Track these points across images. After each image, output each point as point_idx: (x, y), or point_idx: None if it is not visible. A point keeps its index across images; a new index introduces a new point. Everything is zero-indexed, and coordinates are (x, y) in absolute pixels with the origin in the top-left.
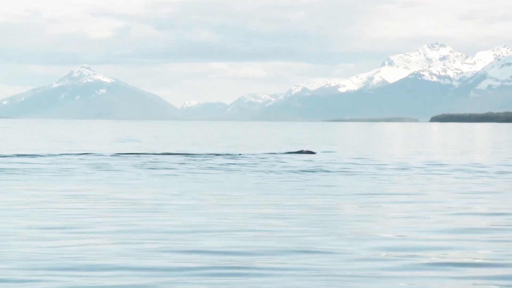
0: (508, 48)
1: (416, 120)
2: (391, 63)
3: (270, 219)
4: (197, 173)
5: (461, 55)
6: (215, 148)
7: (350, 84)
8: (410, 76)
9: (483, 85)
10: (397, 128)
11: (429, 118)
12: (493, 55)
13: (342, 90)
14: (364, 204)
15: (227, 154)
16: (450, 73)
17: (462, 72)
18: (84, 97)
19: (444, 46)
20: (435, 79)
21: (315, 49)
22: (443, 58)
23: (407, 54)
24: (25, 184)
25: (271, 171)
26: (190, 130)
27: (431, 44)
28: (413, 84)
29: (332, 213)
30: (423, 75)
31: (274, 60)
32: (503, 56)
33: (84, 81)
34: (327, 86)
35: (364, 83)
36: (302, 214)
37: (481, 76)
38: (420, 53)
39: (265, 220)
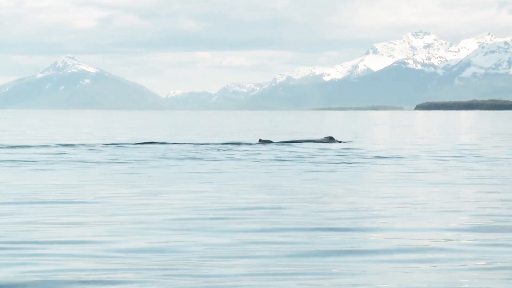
0: (492, 36)
1: (401, 108)
2: (375, 52)
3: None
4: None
5: (445, 43)
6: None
7: (335, 72)
8: (394, 64)
9: (468, 72)
10: (389, 116)
11: (414, 106)
12: (477, 42)
13: (326, 78)
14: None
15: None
16: (435, 61)
17: (446, 60)
18: (69, 87)
19: (428, 34)
20: (419, 67)
21: (299, 38)
22: (427, 46)
23: (392, 42)
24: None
25: (321, 162)
26: (200, 119)
27: (415, 32)
28: (398, 72)
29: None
30: (408, 63)
31: (259, 49)
32: (487, 43)
33: (69, 71)
34: (311, 75)
35: (348, 71)
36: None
37: (466, 64)
38: (404, 41)
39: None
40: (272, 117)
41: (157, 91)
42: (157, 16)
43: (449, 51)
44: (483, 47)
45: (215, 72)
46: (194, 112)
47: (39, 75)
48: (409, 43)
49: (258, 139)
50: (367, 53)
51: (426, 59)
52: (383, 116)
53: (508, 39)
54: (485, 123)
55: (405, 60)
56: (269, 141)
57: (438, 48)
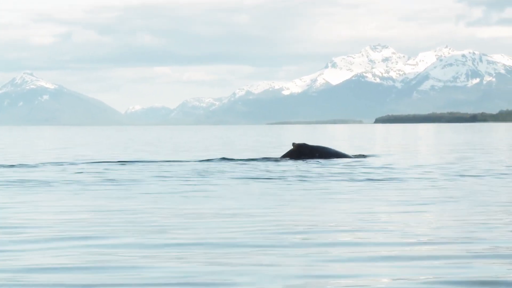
0: (449, 49)
1: (360, 122)
2: (334, 65)
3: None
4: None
5: (404, 56)
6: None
7: (294, 86)
8: (353, 78)
9: (426, 85)
10: (349, 129)
11: (373, 120)
12: (435, 55)
13: (286, 92)
14: None
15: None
16: (393, 74)
17: (404, 73)
18: (28, 104)
19: (387, 47)
20: (378, 80)
21: (259, 52)
22: (385, 60)
23: (350, 56)
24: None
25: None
26: (194, 135)
27: (373, 46)
28: (357, 86)
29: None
30: (366, 76)
31: (218, 64)
32: (445, 56)
33: (27, 87)
34: (271, 89)
35: (307, 85)
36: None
37: (424, 77)
38: (362, 54)
39: None
40: (241, 131)
41: (117, 107)
42: (116, 32)
43: (407, 64)
44: (441, 60)
45: (175, 87)
46: (158, 127)
47: None
48: (367, 57)
49: (292, 143)
50: (326, 67)
51: (385, 73)
52: (344, 129)
53: (465, 52)
54: (458, 136)
55: (364, 74)
56: (304, 144)
57: (397, 62)
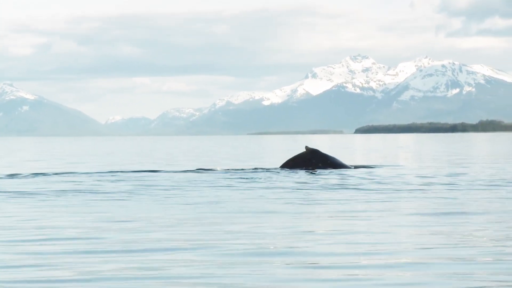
0: (429, 59)
1: (341, 132)
2: (314, 76)
3: None
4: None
5: (384, 67)
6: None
7: (274, 97)
8: (333, 88)
9: (406, 96)
10: (330, 140)
11: (354, 130)
12: (415, 66)
13: (266, 103)
14: None
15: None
16: (373, 84)
17: (385, 84)
18: (7, 114)
19: (367, 57)
20: (358, 90)
21: (239, 62)
22: (365, 70)
23: (330, 66)
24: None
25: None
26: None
27: (353, 56)
28: (337, 96)
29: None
30: (346, 87)
31: (198, 74)
32: (424, 67)
33: (7, 98)
34: (251, 99)
35: (288, 95)
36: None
37: (404, 87)
38: (343, 65)
39: None
40: (223, 142)
41: (96, 117)
42: (95, 42)
43: (387, 74)
44: (421, 71)
45: (155, 98)
46: (140, 138)
47: None
48: (347, 67)
49: (305, 146)
50: (306, 77)
51: (365, 83)
52: (326, 140)
53: (445, 62)
54: (437, 146)
55: (344, 84)
56: (317, 150)
57: (377, 72)
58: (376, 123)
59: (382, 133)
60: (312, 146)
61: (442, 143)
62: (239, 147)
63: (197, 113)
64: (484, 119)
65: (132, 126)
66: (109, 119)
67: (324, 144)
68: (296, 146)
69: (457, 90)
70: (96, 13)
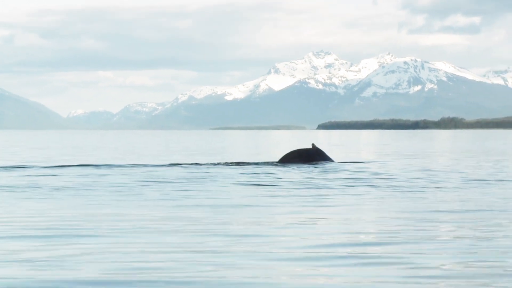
0: (392, 56)
1: (303, 128)
2: (277, 71)
3: None
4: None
5: (346, 63)
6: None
7: (237, 92)
8: (296, 84)
9: (368, 92)
10: (291, 135)
11: (316, 126)
12: (378, 62)
13: (228, 98)
14: None
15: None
16: (336, 80)
17: (347, 80)
18: None
19: (329, 53)
20: (320, 86)
21: (202, 57)
22: (328, 66)
23: (293, 62)
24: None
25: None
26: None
27: (316, 52)
28: (299, 92)
29: None
30: (309, 82)
31: (161, 68)
32: (387, 63)
33: None
34: (213, 94)
35: (250, 91)
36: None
37: (366, 84)
38: (305, 60)
39: None
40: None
41: (59, 111)
42: (59, 36)
43: (350, 70)
44: (383, 67)
45: (118, 92)
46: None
47: None
48: (310, 63)
49: (311, 144)
50: (269, 72)
51: (327, 79)
52: (287, 135)
53: (407, 59)
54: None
55: (307, 80)
56: (320, 150)
57: (339, 68)
58: (338, 119)
59: (345, 129)
60: (275, 141)
61: (406, 140)
62: (213, 142)
63: (160, 108)
64: (446, 116)
65: (94, 120)
66: (71, 113)
67: (286, 140)
68: (263, 141)
69: (419, 87)
70: (59, 7)
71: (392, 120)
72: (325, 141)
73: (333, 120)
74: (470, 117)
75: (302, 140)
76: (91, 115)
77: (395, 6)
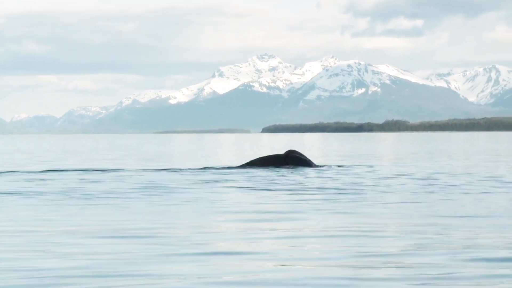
0: (335, 59)
1: (248, 131)
2: (221, 74)
3: None
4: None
5: (290, 66)
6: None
7: (181, 95)
8: (240, 87)
9: (312, 95)
10: (237, 139)
11: (260, 129)
12: (321, 65)
13: (173, 101)
14: None
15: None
16: (280, 84)
17: (291, 83)
18: None
19: (273, 57)
20: (264, 90)
21: (146, 61)
22: (272, 69)
23: (237, 65)
24: None
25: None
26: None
27: (260, 55)
28: (243, 95)
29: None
30: (253, 86)
31: (105, 72)
32: (331, 66)
33: None
34: (158, 98)
35: (194, 94)
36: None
37: (310, 87)
38: (249, 64)
39: None
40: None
41: (1, 115)
42: (0, 40)
43: (293, 74)
44: (327, 70)
45: (61, 96)
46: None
47: None
48: (254, 66)
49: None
50: (213, 76)
51: (271, 82)
52: (231, 139)
53: (351, 62)
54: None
55: (251, 83)
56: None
57: (283, 71)
58: (283, 122)
59: (289, 132)
60: (219, 145)
61: (351, 142)
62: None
63: (104, 112)
64: (390, 119)
65: (37, 125)
66: (14, 117)
67: (230, 143)
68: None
69: (363, 90)
70: (0, 10)
71: (337, 123)
72: (268, 143)
73: (277, 123)
74: (413, 120)
75: (246, 144)
76: (34, 119)
77: (338, 9)
